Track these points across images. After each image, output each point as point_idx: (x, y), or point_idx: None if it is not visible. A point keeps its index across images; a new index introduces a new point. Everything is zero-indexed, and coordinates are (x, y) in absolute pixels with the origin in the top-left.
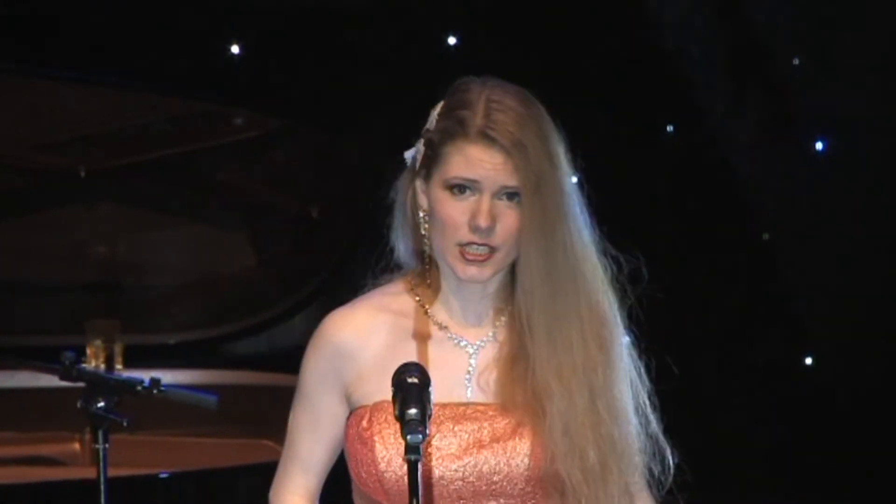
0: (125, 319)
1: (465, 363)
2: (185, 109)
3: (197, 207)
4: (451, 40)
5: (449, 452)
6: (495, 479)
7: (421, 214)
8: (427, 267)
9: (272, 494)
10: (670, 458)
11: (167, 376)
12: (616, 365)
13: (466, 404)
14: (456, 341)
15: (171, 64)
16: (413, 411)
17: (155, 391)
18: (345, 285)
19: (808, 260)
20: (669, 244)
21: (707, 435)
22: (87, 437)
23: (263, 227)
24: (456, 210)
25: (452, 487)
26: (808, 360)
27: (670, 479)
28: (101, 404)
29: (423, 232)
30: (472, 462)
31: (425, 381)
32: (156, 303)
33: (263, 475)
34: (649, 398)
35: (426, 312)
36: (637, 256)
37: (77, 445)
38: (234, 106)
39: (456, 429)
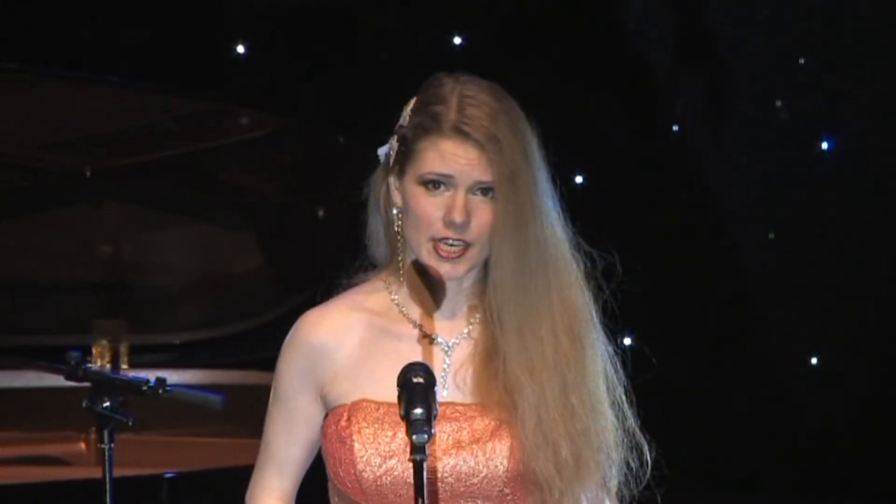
0: (131, 319)
1: (440, 361)
2: (191, 109)
3: (202, 207)
4: (457, 40)
5: (428, 454)
6: (474, 480)
7: (394, 211)
8: (401, 264)
9: (248, 496)
10: (648, 453)
11: (173, 376)
12: (590, 360)
13: (446, 404)
14: (431, 339)
15: (177, 64)
16: (419, 411)
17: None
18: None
19: (814, 259)
20: (674, 243)
21: (710, 435)
22: (93, 436)
23: (269, 226)
24: (430, 205)
25: (431, 489)
26: (814, 360)
27: (648, 473)
28: (107, 404)
29: (396, 229)
30: (451, 463)
31: (431, 380)
32: (161, 302)
33: None
34: (626, 393)
35: (401, 310)
36: (612, 253)
37: (82, 445)
38: (239, 106)
39: (434, 430)
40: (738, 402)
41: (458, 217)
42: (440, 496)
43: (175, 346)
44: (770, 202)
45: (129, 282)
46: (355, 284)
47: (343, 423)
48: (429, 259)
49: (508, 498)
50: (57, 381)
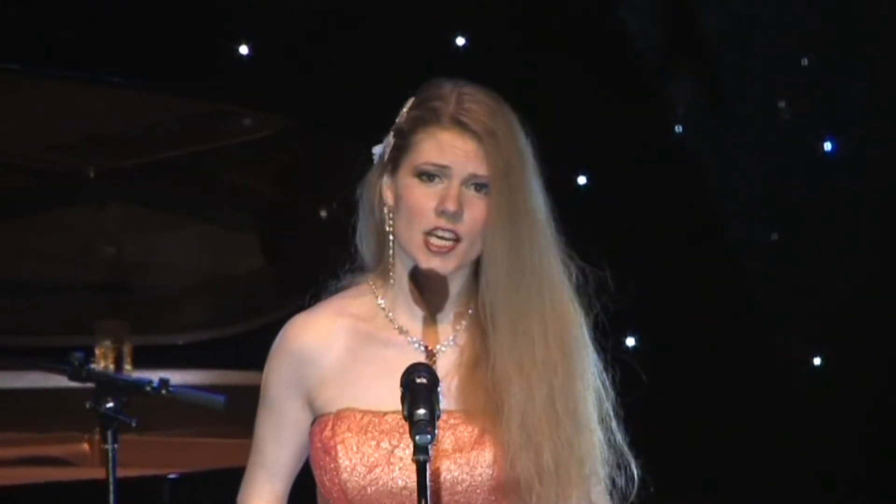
0: (134, 320)
1: None
2: (194, 110)
3: (205, 208)
4: (460, 41)
5: (411, 462)
6: (458, 489)
7: (385, 210)
8: (391, 266)
9: (239, 499)
10: (635, 469)
11: (176, 377)
12: (578, 370)
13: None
14: (417, 346)
15: (179, 64)
16: (422, 412)
17: (164, 392)
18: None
19: (817, 260)
20: (677, 243)
21: (711, 435)
22: (97, 437)
23: (271, 227)
24: (424, 196)
25: (416, 497)
26: (817, 361)
27: (634, 490)
28: (110, 405)
29: (387, 228)
30: (435, 472)
31: (434, 381)
32: (164, 303)
33: None
34: (614, 409)
35: (387, 316)
36: (603, 267)
37: (86, 446)
38: (241, 106)
39: (438, 431)
40: (740, 402)
41: (451, 206)
42: None
43: (178, 347)
44: (773, 203)
45: (131, 282)
46: (344, 288)
47: (327, 433)
48: (419, 254)
49: None
50: (60, 381)
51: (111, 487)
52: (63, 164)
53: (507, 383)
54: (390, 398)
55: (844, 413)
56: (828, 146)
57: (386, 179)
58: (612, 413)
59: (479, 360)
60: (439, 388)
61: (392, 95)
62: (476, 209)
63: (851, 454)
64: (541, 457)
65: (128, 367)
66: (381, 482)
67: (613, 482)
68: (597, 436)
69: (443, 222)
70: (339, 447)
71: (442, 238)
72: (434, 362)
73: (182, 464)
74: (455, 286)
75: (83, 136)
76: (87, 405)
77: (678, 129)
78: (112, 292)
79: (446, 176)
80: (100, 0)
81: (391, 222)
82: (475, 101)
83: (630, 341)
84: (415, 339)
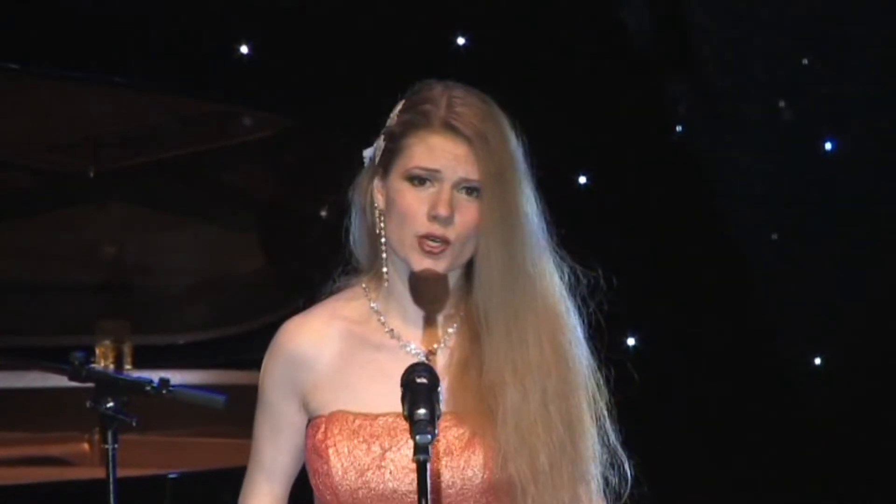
0: (134, 320)
1: None
2: (194, 110)
3: (205, 208)
4: (460, 41)
5: (402, 465)
6: (450, 491)
7: (377, 213)
8: (384, 269)
9: (240, 501)
10: (628, 469)
11: (176, 376)
12: (572, 372)
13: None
14: (408, 349)
15: (180, 64)
16: (422, 411)
17: (164, 391)
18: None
19: (817, 260)
20: (678, 244)
21: (710, 435)
22: (97, 437)
23: (273, 227)
24: (415, 200)
25: (407, 500)
26: (817, 361)
27: (627, 491)
28: (111, 404)
29: (378, 231)
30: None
31: (434, 381)
32: (165, 303)
33: None
34: (608, 409)
35: (380, 319)
36: (595, 268)
37: (86, 446)
38: (243, 106)
39: (410, 441)
40: (740, 402)
41: (442, 210)
42: None
43: (179, 347)
44: (773, 203)
45: (132, 282)
46: (339, 290)
47: (320, 437)
48: (411, 254)
49: None
50: (60, 381)
51: (111, 487)
52: (63, 164)
53: (502, 386)
54: (382, 401)
55: (845, 413)
56: (828, 146)
57: (377, 182)
58: (605, 413)
59: (469, 363)
60: (440, 388)
61: (392, 96)
62: (467, 213)
63: (851, 454)
64: (536, 459)
65: (128, 366)
66: (371, 485)
67: (607, 481)
68: (590, 436)
69: (434, 227)
70: (330, 450)
71: (434, 241)
72: None
73: (182, 463)
74: (446, 288)
75: (83, 136)
76: (87, 405)
77: (678, 129)
78: (112, 292)
79: (437, 180)
80: (100, 0)
81: (382, 225)
82: (465, 105)
83: (630, 341)
84: (407, 343)
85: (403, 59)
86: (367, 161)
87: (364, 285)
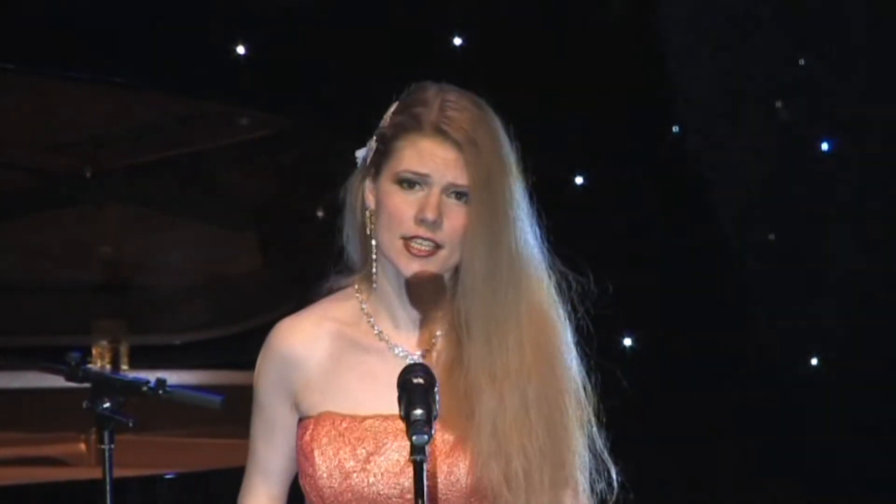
0: (131, 320)
1: None
2: (191, 110)
3: (202, 208)
4: (457, 41)
5: (387, 469)
6: (435, 494)
7: (367, 214)
8: (374, 270)
9: (238, 502)
10: (615, 475)
11: (173, 377)
12: (556, 376)
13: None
14: (396, 351)
15: (177, 64)
16: (419, 412)
17: (161, 392)
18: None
19: (814, 260)
20: (674, 243)
21: (709, 435)
22: (93, 437)
23: (269, 227)
24: (404, 203)
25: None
26: (814, 361)
27: (614, 497)
28: (107, 405)
29: (368, 232)
30: (411, 479)
31: (431, 381)
32: (162, 303)
33: None
34: (596, 415)
35: (369, 321)
36: (586, 273)
37: (83, 446)
38: (239, 107)
39: (395, 445)
40: (738, 403)
41: (430, 214)
42: None
43: (175, 347)
44: (770, 203)
45: (129, 282)
46: (333, 289)
47: (307, 438)
48: (398, 257)
49: None
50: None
51: (108, 487)
52: (61, 164)
53: (479, 392)
54: (370, 403)
55: (841, 413)
56: (825, 146)
57: (368, 183)
58: (592, 418)
59: (454, 367)
60: (436, 389)
61: (389, 96)
62: (455, 218)
63: (849, 454)
64: (510, 465)
65: (125, 366)
66: (356, 488)
67: (592, 487)
68: (574, 441)
69: (422, 231)
70: (315, 452)
71: (421, 244)
72: None
73: (179, 464)
74: (436, 291)
75: (80, 136)
76: (84, 405)
77: (676, 129)
78: (109, 292)
79: (426, 184)
80: (98, 0)
81: (372, 226)
82: (457, 109)
83: (626, 342)
84: (395, 345)
85: (400, 59)
86: (359, 161)
87: (356, 286)
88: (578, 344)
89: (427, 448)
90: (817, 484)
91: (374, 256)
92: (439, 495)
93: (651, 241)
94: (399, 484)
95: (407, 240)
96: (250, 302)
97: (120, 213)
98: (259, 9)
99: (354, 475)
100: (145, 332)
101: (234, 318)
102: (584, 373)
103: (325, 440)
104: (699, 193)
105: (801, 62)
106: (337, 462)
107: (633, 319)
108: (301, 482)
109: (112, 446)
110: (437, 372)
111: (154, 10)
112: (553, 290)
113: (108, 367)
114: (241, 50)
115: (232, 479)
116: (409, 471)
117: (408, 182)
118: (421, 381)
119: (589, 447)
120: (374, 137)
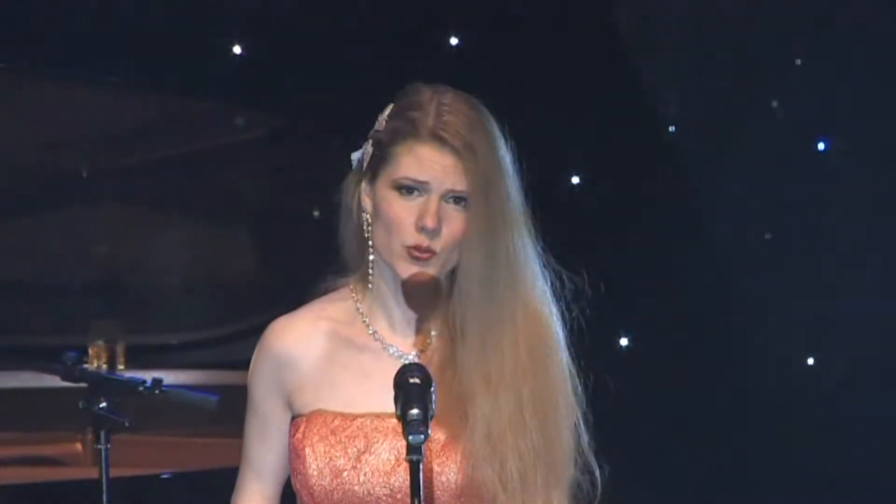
0: (127, 320)
1: None
2: (188, 110)
3: (198, 207)
4: (453, 41)
5: (377, 468)
6: (424, 493)
7: (364, 217)
8: (370, 271)
9: (232, 501)
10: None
11: (169, 377)
12: (550, 379)
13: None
14: (391, 351)
15: (174, 64)
16: (415, 411)
17: (157, 391)
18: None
19: (811, 260)
20: (671, 244)
21: (706, 435)
22: (89, 437)
23: (265, 226)
24: (403, 210)
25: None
26: (810, 361)
27: (598, 496)
28: (103, 404)
29: (366, 234)
30: (402, 478)
31: (427, 381)
32: (158, 303)
33: None
34: (584, 415)
35: (364, 321)
36: (581, 273)
37: (79, 446)
38: (236, 106)
39: (386, 444)
40: (734, 403)
41: (430, 223)
42: None
43: (172, 347)
44: (766, 202)
45: (125, 282)
46: (328, 289)
47: (298, 436)
48: (398, 263)
49: None
50: (53, 381)
51: (104, 487)
52: (57, 164)
53: (473, 395)
54: (363, 402)
55: (838, 414)
56: (821, 146)
57: (364, 187)
58: (581, 418)
59: (447, 368)
60: (433, 388)
61: (385, 96)
62: (454, 223)
63: (847, 454)
64: (505, 467)
65: (121, 366)
66: (346, 487)
67: (580, 485)
68: (566, 441)
69: (422, 238)
70: (307, 450)
71: (420, 251)
72: None
73: (175, 463)
74: (432, 292)
75: (76, 136)
76: (80, 405)
77: (671, 129)
78: (106, 292)
79: (425, 191)
80: (96, 0)
81: (370, 229)
82: (454, 113)
83: (623, 341)
84: (389, 345)
85: (396, 59)
86: (354, 164)
87: (351, 286)
88: (573, 344)
89: (423, 448)
90: (816, 484)
91: (370, 258)
92: (428, 494)
93: (647, 241)
94: (389, 484)
95: (407, 248)
96: (246, 301)
97: (116, 213)
98: (255, 9)
99: (345, 473)
100: (141, 331)
101: (229, 318)
102: (575, 372)
103: (316, 438)
104: (695, 193)
105: (798, 62)
106: (328, 460)
107: (629, 319)
108: (293, 480)
109: (108, 446)
110: (430, 372)
111: (150, 10)
112: (548, 290)
113: (104, 366)
114: (236, 50)
115: (228, 479)
116: (400, 470)
117: (406, 188)
118: (418, 380)
119: (580, 446)
120: (370, 141)
